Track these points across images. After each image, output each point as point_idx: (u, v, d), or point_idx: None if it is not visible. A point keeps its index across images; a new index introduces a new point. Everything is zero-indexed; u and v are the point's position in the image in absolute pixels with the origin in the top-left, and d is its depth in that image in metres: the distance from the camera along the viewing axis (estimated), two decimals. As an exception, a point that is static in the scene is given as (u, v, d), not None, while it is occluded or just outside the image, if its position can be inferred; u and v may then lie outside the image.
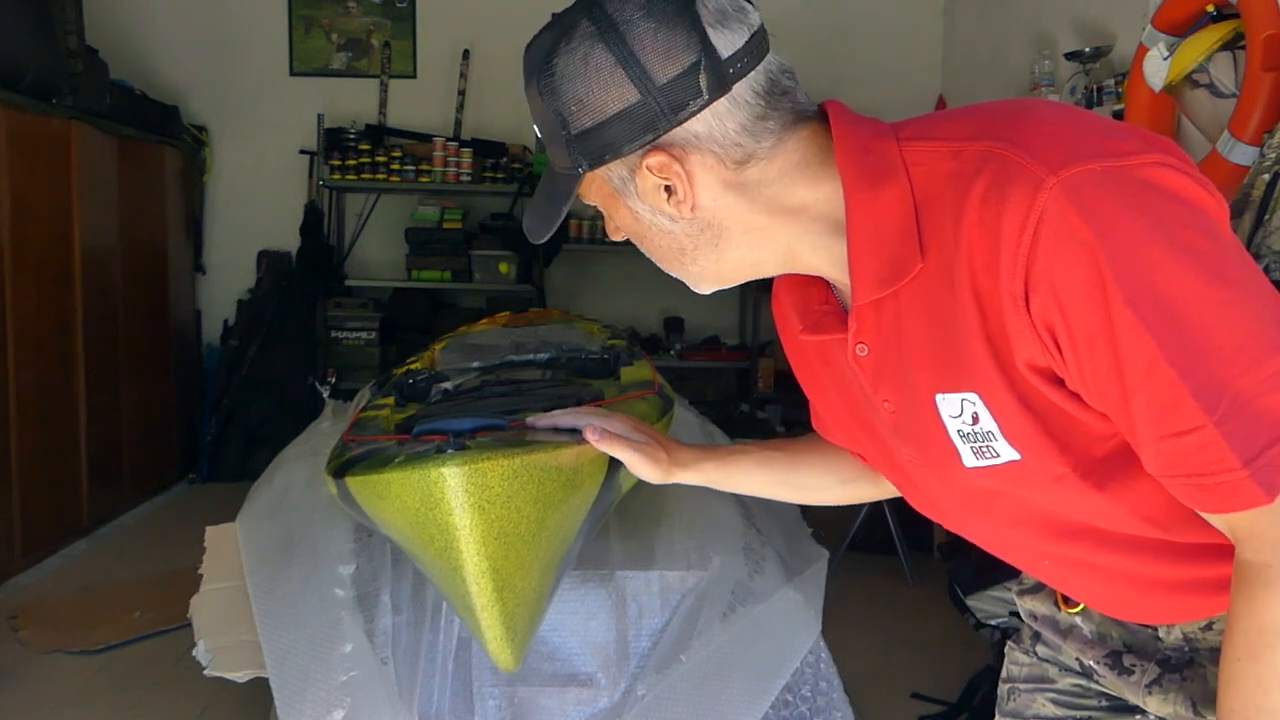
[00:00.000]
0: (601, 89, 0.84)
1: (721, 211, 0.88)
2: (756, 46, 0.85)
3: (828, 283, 0.96)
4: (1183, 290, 0.72)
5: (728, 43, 0.84)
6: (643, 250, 0.96)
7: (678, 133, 0.85)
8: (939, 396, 0.85)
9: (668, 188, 0.87)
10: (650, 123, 0.84)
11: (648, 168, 0.86)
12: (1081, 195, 0.73)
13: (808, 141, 0.88)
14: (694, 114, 0.84)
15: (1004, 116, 0.81)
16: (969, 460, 0.87)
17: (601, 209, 0.94)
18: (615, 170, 0.89)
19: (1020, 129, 0.79)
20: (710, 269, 0.93)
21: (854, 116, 0.89)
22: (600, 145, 0.86)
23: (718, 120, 0.85)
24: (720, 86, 0.84)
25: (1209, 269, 0.73)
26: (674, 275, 0.97)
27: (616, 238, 0.97)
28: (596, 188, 0.92)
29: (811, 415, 1.17)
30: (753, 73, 0.85)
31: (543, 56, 0.87)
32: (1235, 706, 0.75)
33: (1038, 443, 0.82)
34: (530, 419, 1.33)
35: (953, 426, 0.86)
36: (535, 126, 0.93)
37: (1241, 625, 0.75)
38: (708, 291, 0.97)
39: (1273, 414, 0.70)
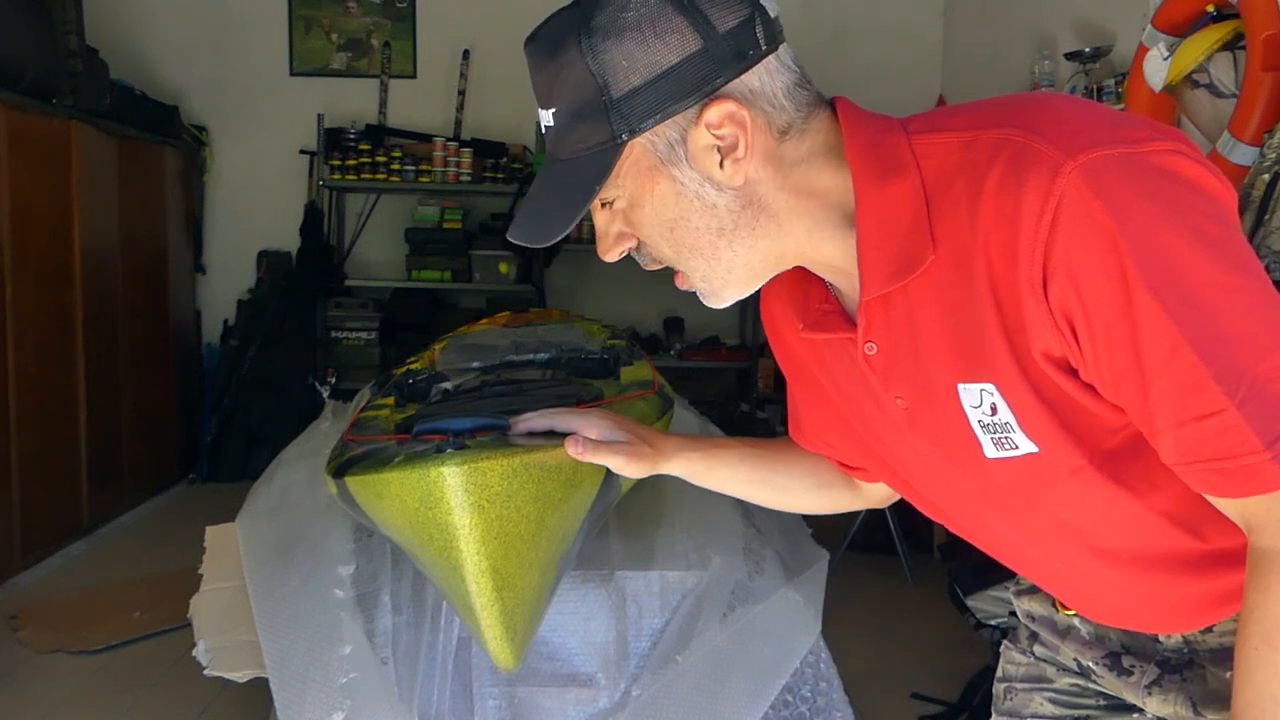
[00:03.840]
0: (659, 40, 0.81)
1: (761, 186, 0.86)
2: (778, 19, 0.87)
3: (825, 283, 0.96)
4: (1201, 276, 0.72)
5: (770, 2, 0.85)
6: (666, 246, 0.88)
7: (736, 84, 0.83)
8: (960, 386, 0.84)
9: (719, 149, 0.83)
10: (713, 72, 0.82)
11: (706, 124, 0.83)
12: (1100, 180, 0.73)
13: (829, 126, 0.88)
14: (754, 64, 0.83)
15: (1016, 106, 0.81)
16: (990, 451, 0.86)
17: (626, 198, 0.87)
18: (664, 134, 0.83)
19: (1034, 116, 0.78)
20: (741, 258, 0.88)
21: (862, 112, 0.89)
22: (651, 104, 0.82)
23: (770, 77, 0.84)
24: (772, 41, 0.84)
25: (1224, 256, 0.73)
26: (694, 280, 0.91)
27: (612, 255, 0.91)
28: (631, 164, 0.85)
29: (790, 422, 1.16)
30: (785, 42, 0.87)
31: (582, 16, 0.83)
32: (1252, 697, 0.74)
33: (1053, 434, 0.82)
34: (514, 428, 1.27)
35: (974, 417, 0.85)
36: (551, 108, 0.86)
37: (1256, 614, 0.75)
38: (727, 301, 0.92)
39: None
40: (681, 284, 0.93)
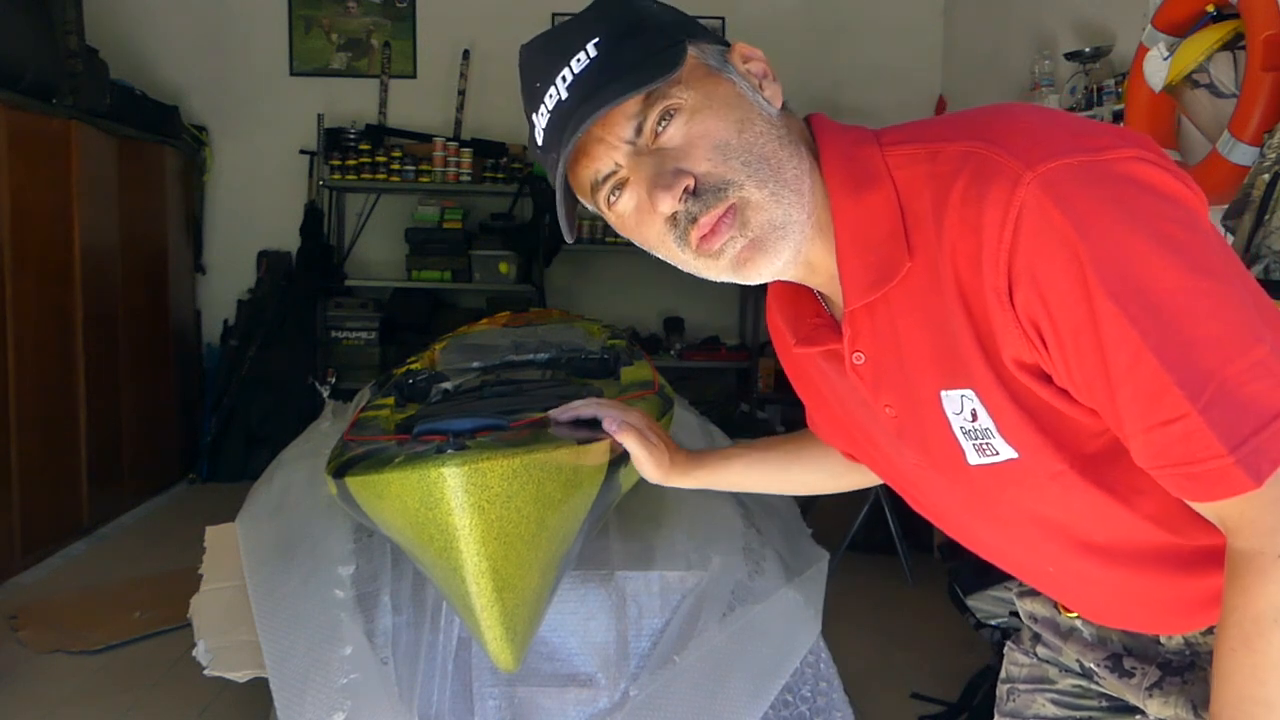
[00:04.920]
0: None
1: (790, 131, 0.88)
2: None
3: (816, 296, 0.97)
4: (1163, 281, 0.72)
5: None
6: (736, 155, 0.84)
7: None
8: (943, 393, 0.85)
9: (754, 75, 0.89)
10: (721, 40, 0.91)
11: (739, 52, 0.90)
12: (1059, 189, 0.74)
13: (802, 128, 0.90)
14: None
15: (980, 119, 0.82)
16: (972, 458, 0.87)
17: (691, 100, 0.84)
18: (709, 50, 0.88)
19: (996, 129, 0.79)
20: (806, 183, 0.85)
21: (837, 125, 0.90)
22: (690, 28, 0.89)
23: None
24: None
25: (1188, 260, 0.73)
26: (754, 205, 0.83)
27: (670, 199, 0.83)
28: (689, 71, 0.85)
29: (807, 417, 1.19)
30: None
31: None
32: (1230, 699, 0.74)
33: (1032, 440, 0.82)
34: (552, 412, 1.35)
35: (956, 423, 0.86)
36: (593, 38, 0.85)
37: (1234, 616, 0.74)
38: (771, 257, 0.85)
39: (1257, 401, 0.71)
40: (722, 231, 0.84)
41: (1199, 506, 0.78)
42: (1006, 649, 1.15)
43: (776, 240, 0.85)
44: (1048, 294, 0.74)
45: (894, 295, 0.85)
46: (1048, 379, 0.79)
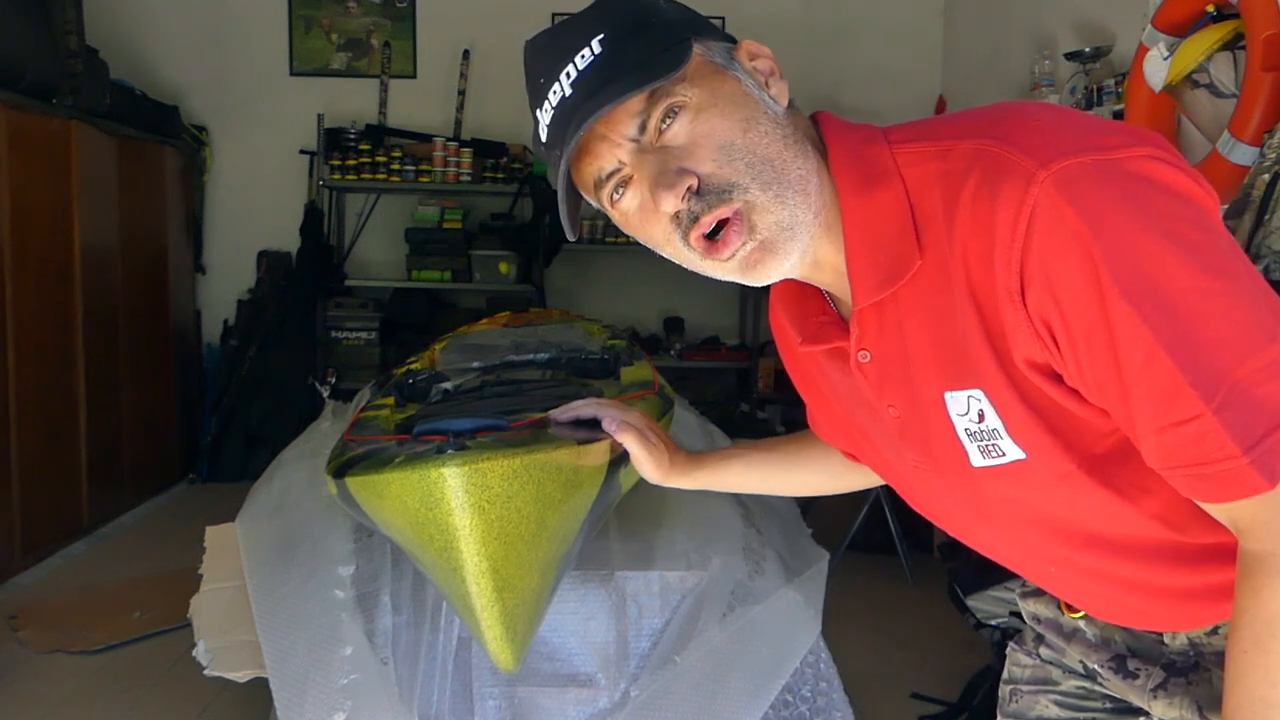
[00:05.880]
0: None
1: (797, 129, 0.88)
2: None
3: (823, 294, 0.96)
4: (1176, 281, 0.72)
5: None
6: (740, 155, 0.83)
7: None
8: (947, 394, 0.85)
9: (760, 72, 0.89)
10: (728, 37, 0.91)
11: (745, 50, 0.90)
12: (1073, 188, 0.73)
13: (808, 126, 0.90)
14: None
15: (991, 117, 0.82)
16: (976, 460, 0.86)
17: (696, 99, 0.84)
18: (715, 48, 0.88)
19: (1009, 127, 0.79)
20: (812, 183, 0.85)
21: (844, 123, 0.90)
22: (696, 25, 0.88)
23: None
24: None
25: (1201, 260, 0.73)
26: (760, 208, 0.83)
27: (674, 197, 0.83)
28: (695, 69, 0.85)
29: (808, 416, 1.19)
30: None
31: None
32: (1242, 700, 0.75)
33: (1041, 440, 0.82)
34: (552, 412, 1.35)
35: (960, 425, 0.85)
36: (598, 34, 0.85)
37: (1246, 618, 0.75)
38: (780, 258, 0.85)
39: (1271, 402, 0.71)
40: (731, 240, 0.84)
41: (1210, 507, 0.77)
42: (1009, 650, 1.14)
43: (785, 241, 0.85)
44: (1060, 293, 0.74)
45: (903, 294, 0.84)
46: (1058, 379, 0.79)
